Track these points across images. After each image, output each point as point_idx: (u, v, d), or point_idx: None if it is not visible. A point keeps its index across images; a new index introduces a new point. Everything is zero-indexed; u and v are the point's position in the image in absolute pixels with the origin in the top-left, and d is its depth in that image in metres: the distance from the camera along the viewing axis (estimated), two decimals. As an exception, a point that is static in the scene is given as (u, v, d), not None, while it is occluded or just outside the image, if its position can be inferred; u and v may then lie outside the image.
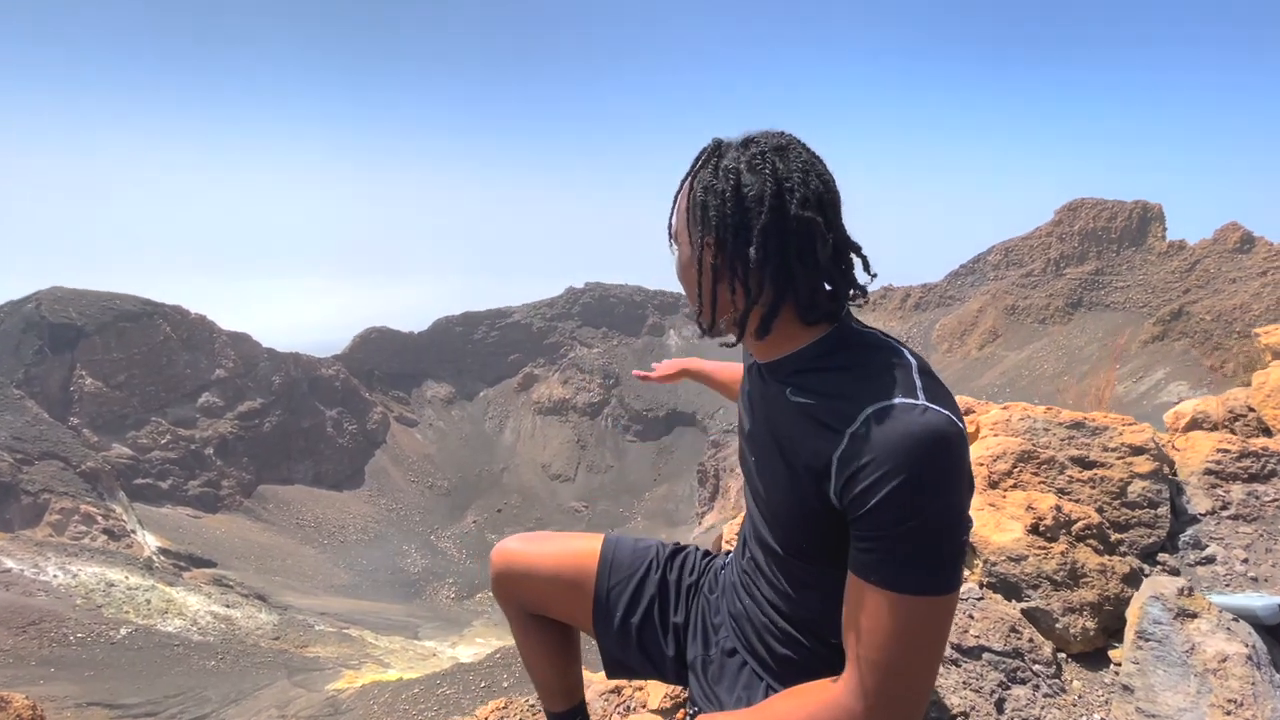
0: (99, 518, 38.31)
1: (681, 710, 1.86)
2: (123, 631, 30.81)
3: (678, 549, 1.43)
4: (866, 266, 1.00)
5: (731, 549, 1.58)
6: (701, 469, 48.30)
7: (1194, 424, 2.50)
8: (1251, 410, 2.33)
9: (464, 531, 52.80)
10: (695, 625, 1.30)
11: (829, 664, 1.06)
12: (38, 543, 35.10)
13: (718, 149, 0.98)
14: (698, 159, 1.00)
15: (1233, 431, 2.37)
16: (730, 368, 1.75)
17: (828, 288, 0.97)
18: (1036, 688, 1.55)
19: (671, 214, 1.03)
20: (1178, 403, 2.80)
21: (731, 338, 1.03)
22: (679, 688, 1.86)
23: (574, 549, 1.39)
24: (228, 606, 35.29)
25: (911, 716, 0.84)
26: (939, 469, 0.82)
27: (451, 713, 23.75)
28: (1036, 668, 1.57)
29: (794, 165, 0.92)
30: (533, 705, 2.30)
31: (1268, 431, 2.30)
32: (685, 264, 1.01)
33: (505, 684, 23.17)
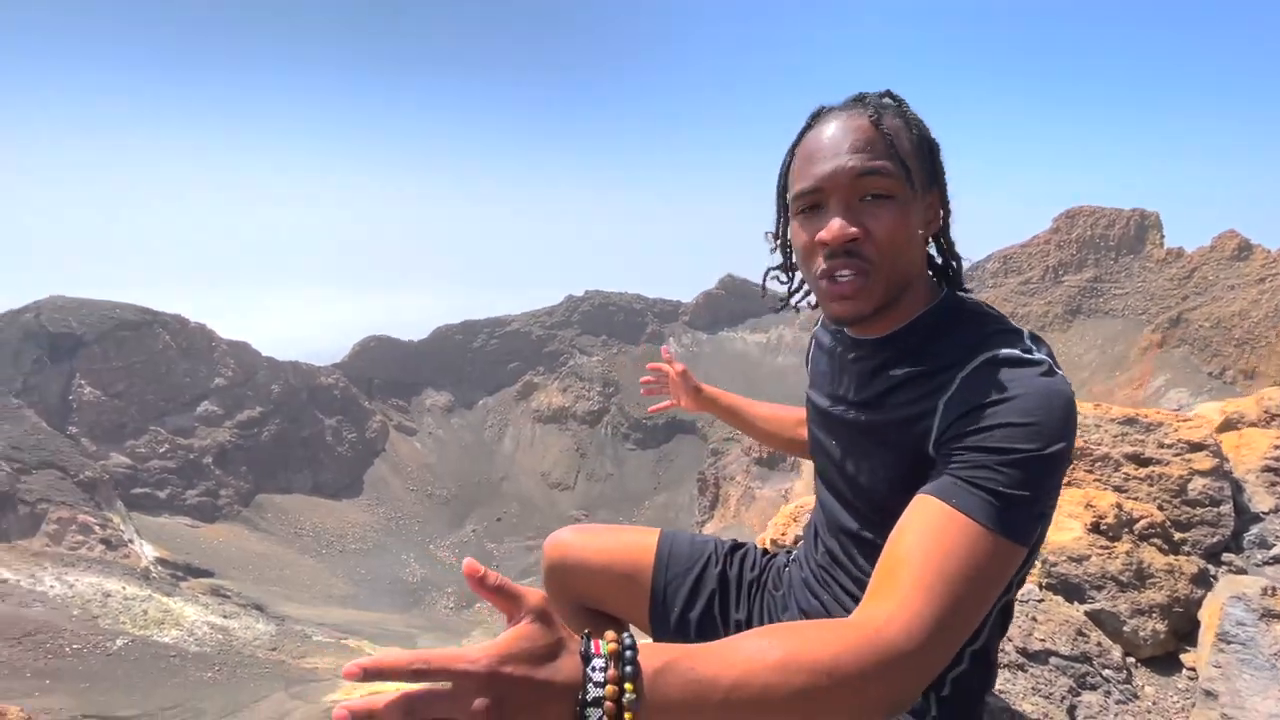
0: (96, 527, 38.02)
1: None
2: (119, 643, 30.49)
3: (737, 545, 1.37)
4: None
5: (773, 550, 1.51)
6: (701, 477, 48.13)
7: (1229, 425, 2.44)
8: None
9: (463, 540, 52.49)
10: (761, 623, 1.23)
11: None
12: (35, 553, 34.82)
13: (869, 98, 0.92)
14: (870, 101, 0.91)
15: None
16: (763, 406, 1.55)
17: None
18: (1108, 694, 1.48)
19: (885, 155, 0.85)
20: (1178, 409, 2.75)
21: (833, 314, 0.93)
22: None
23: (629, 542, 1.33)
24: (225, 617, 34.98)
25: (945, 660, 0.73)
26: (1057, 422, 0.77)
27: (451, 725, 23.45)
28: (1107, 673, 1.50)
29: None
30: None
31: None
32: (922, 207, 0.90)
33: (506, 695, 22.90)
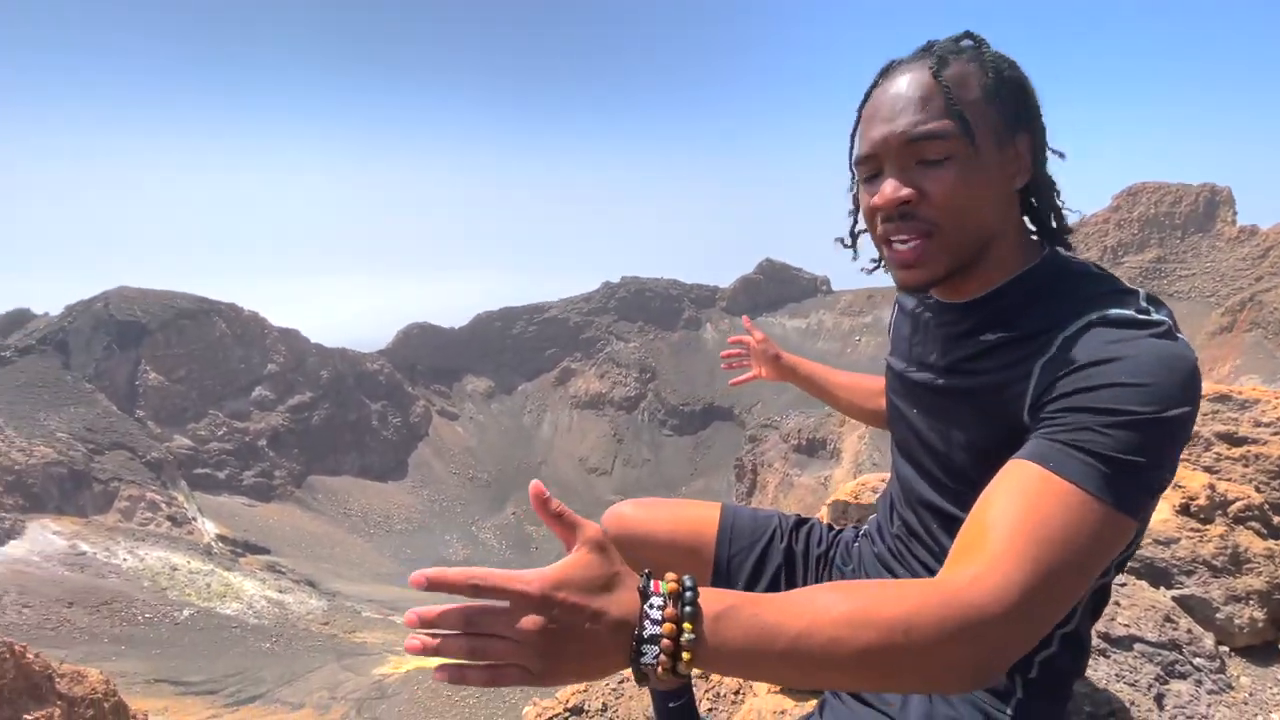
0: (163, 505, 40.38)
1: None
2: (185, 613, 32.43)
3: (802, 520, 1.33)
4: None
5: (838, 526, 1.46)
6: (739, 463, 47.91)
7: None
8: None
9: (504, 523, 53.73)
10: None
11: None
12: (109, 528, 37.23)
13: (975, 39, 0.85)
14: (946, 49, 0.83)
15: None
16: (845, 375, 1.50)
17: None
18: (1199, 683, 1.39)
19: (942, 113, 0.79)
20: None
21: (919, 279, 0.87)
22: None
23: (692, 515, 1.30)
24: (280, 592, 36.79)
25: (1036, 634, 0.67)
26: (1176, 385, 0.69)
27: (492, 700, 24.19)
28: (1198, 661, 1.41)
29: None
30: (614, 689, 2.23)
31: None
32: (993, 164, 0.81)
33: (546, 673, 23.42)
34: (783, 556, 1.25)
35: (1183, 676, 1.39)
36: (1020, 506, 0.68)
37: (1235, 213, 50.25)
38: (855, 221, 1.02)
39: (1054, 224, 0.90)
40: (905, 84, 0.82)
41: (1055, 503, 0.68)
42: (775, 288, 69.51)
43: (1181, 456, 1.78)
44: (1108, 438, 0.69)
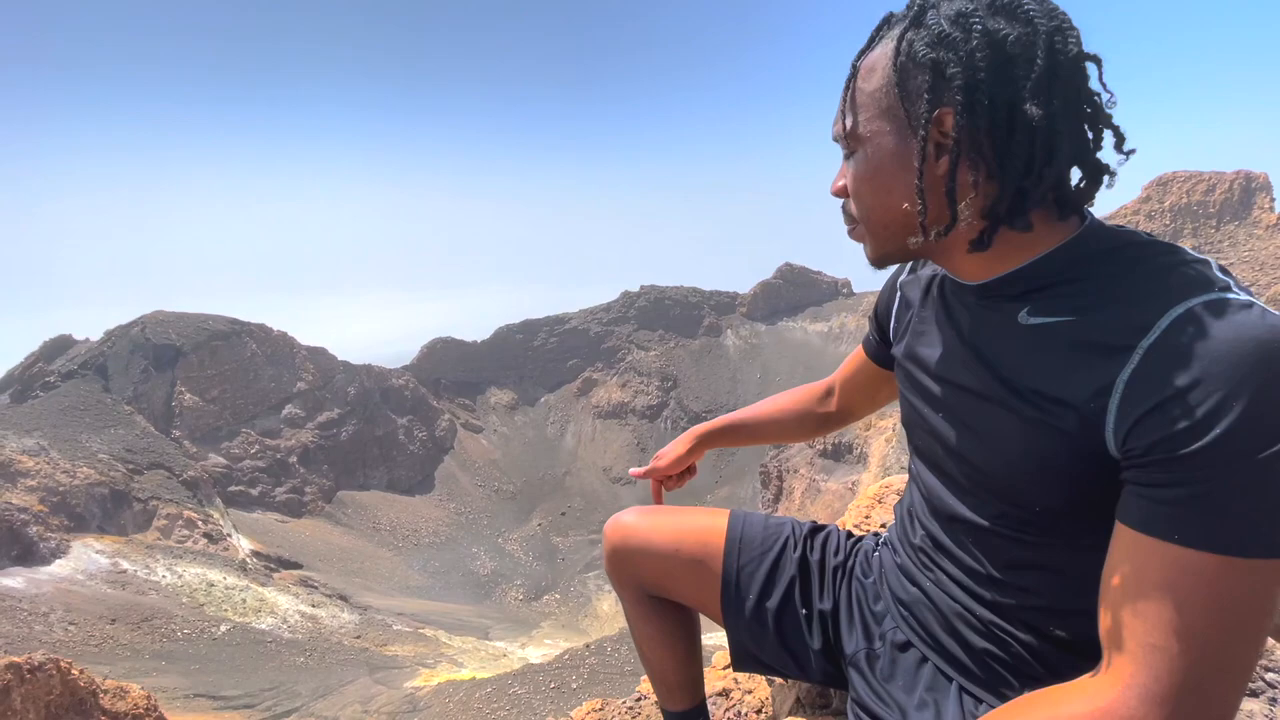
0: (199, 522, 41.32)
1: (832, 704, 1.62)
2: (222, 628, 33.03)
3: (817, 526, 1.23)
4: (1121, 141, 0.72)
5: (857, 534, 1.35)
6: (764, 470, 47.29)
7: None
8: None
9: (530, 534, 53.81)
10: (851, 613, 1.09)
11: (1047, 662, 0.83)
12: (148, 545, 38.20)
13: (920, 7, 0.74)
14: (887, 26, 0.78)
15: None
16: (767, 404, 1.39)
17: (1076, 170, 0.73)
18: (1273, 701, 1.24)
19: (846, 109, 0.80)
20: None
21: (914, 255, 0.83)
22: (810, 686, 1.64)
23: (697, 523, 1.21)
24: (314, 606, 37.27)
25: (1229, 714, 0.58)
26: None
27: (523, 713, 24.11)
28: (1270, 676, 1.27)
29: (1048, 5, 0.70)
30: (630, 707, 2.13)
31: None
32: (890, 153, 0.76)
33: (574, 685, 23.33)
34: (797, 567, 1.15)
35: (1255, 694, 1.25)
36: (1170, 597, 0.59)
37: (1273, 199, 48.41)
38: None
39: (1052, 193, 0.74)
40: (854, 72, 0.82)
41: (1213, 583, 0.58)
42: (796, 292, 68.88)
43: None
44: (1247, 488, 0.57)
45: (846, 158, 0.84)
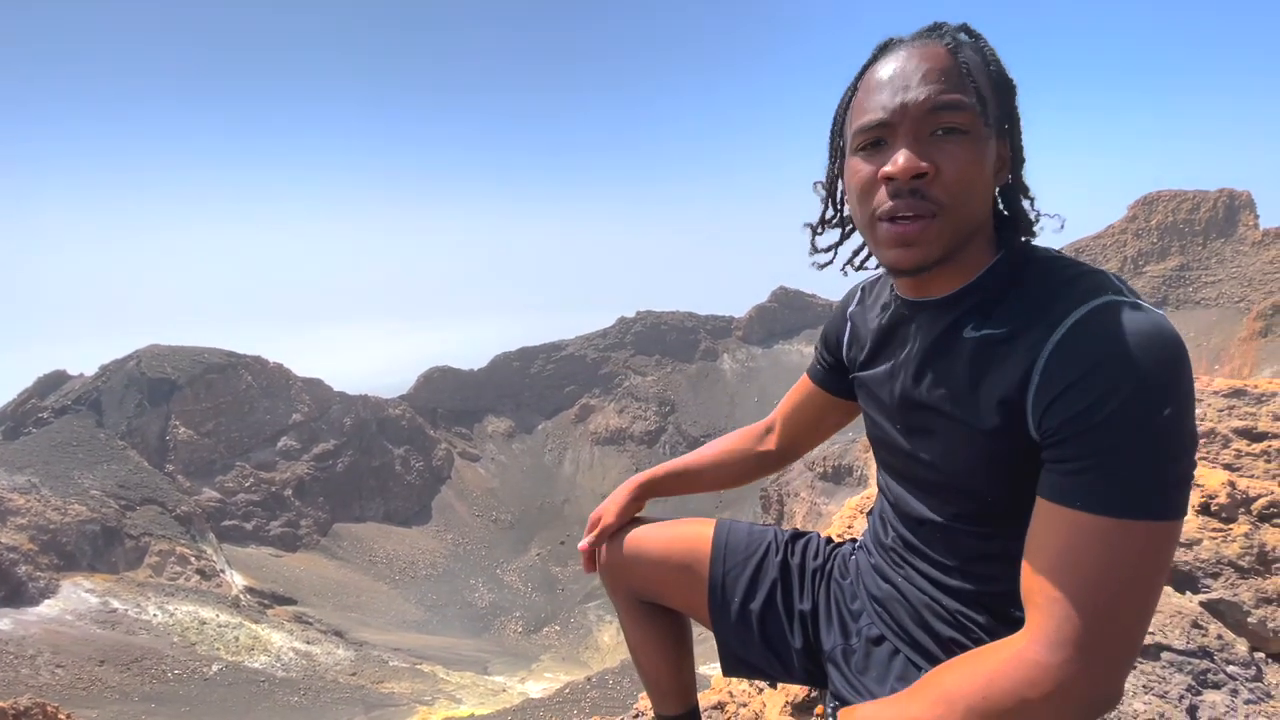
0: (192, 558, 40.66)
1: (819, 706, 1.68)
2: (214, 668, 32.26)
3: (799, 533, 1.31)
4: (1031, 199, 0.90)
5: (842, 540, 1.43)
6: (765, 494, 46.99)
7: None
8: None
9: (528, 565, 53.05)
10: (829, 612, 1.16)
11: None
12: (139, 583, 37.51)
13: (945, 28, 0.84)
14: (938, 35, 0.82)
15: None
16: (709, 448, 1.38)
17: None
18: (1234, 693, 1.31)
19: (964, 81, 0.79)
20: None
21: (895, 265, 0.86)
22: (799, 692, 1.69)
23: (685, 532, 1.29)
24: (308, 643, 36.48)
25: (1121, 675, 0.69)
26: (1174, 372, 0.69)
27: (524, 749, 23.46)
28: (1231, 669, 1.33)
29: None
30: (629, 724, 2.16)
31: None
32: (989, 147, 0.81)
33: (576, 720, 22.80)
34: (778, 571, 1.22)
35: (1216, 686, 1.31)
36: (1078, 556, 0.69)
37: (1257, 217, 49.32)
38: (827, 206, 0.99)
39: (1024, 222, 0.88)
40: (920, 55, 0.80)
41: (1112, 542, 0.68)
42: (790, 315, 69.35)
43: (1199, 455, 1.73)
44: (1138, 458, 0.68)
45: (917, 140, 0.78)
